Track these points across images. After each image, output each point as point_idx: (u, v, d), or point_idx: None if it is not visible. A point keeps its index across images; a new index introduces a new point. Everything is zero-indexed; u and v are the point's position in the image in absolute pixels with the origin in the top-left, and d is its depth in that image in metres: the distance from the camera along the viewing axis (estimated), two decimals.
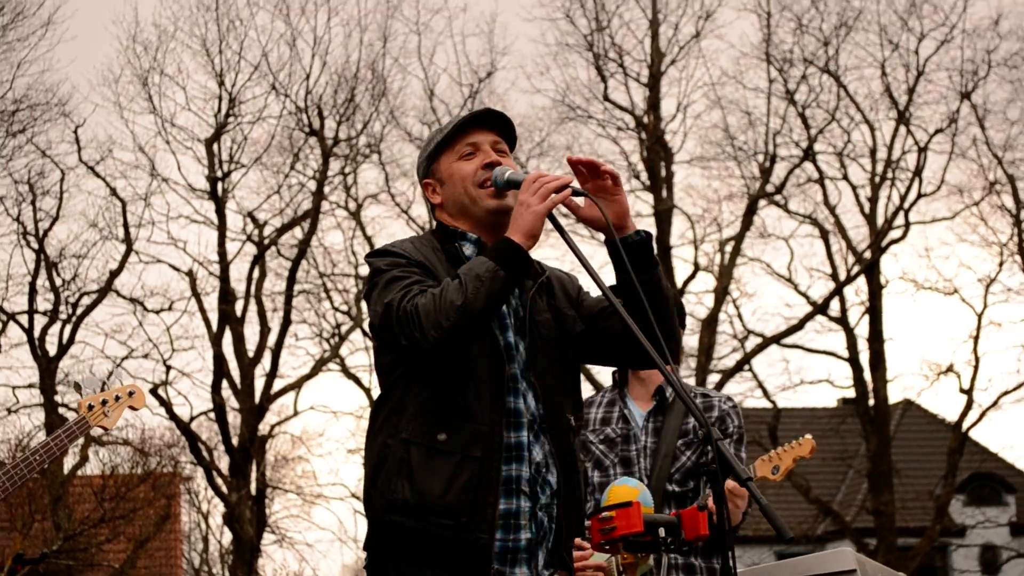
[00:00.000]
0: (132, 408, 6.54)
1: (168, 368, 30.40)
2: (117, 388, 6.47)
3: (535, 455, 4.51)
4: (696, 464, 5.92)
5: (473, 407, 4.46)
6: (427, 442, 4.40)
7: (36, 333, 28.86)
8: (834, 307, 30.55)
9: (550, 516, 4.52)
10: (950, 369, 30.27)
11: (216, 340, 30.38)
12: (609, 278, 4.55)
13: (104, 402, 6.45)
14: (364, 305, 4.57)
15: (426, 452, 4.39)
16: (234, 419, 30.64)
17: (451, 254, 4.64)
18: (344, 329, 31.22)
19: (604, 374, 30.59)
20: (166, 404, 29.98)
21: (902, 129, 30.20)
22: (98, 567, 24.54)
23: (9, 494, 6.00)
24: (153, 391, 29.95)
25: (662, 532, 4.35)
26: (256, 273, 31.11)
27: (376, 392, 4.79)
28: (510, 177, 4.59)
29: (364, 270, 4.58)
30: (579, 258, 4.46)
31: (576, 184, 4.50)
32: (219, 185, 30.77)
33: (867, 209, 30.44)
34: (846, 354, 30.45)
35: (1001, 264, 30.33)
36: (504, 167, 4.64)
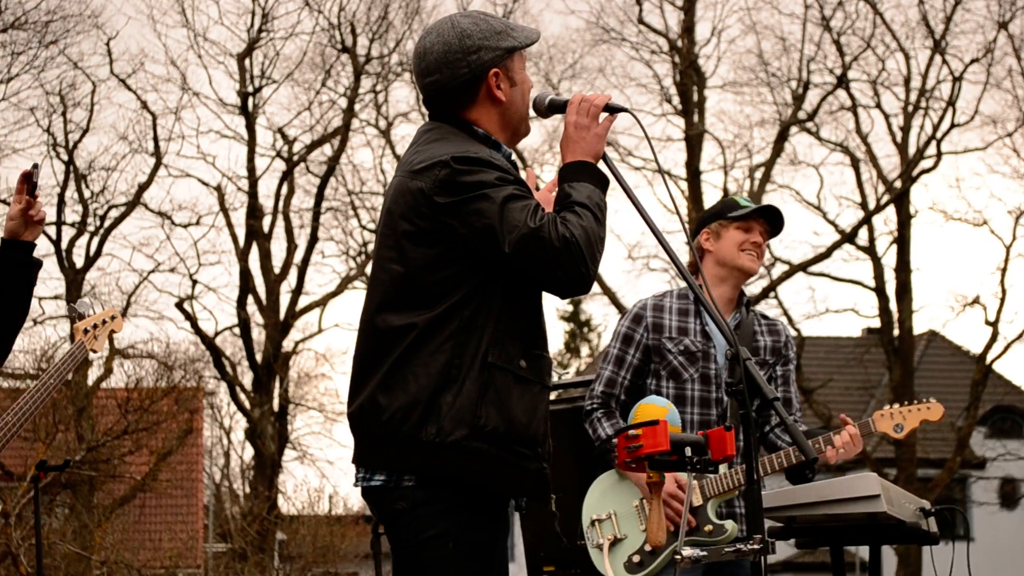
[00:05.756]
0: (113, 332, 6.69)
1: (194, 282, 30.55)
2: (102, 312, 6.60)
3: None
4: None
5: (545, 334, 4.41)
6: (512, 368, 4.25)
7: (63, 245, 28.94)
8: (862, 236, 30.49)
9: None
10: (976, 301, 30.18)
11: (243, 255, 30.44)
12: None
13: (95, 326, 6.58)
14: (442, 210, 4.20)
15: (513, 379, 4.25)
16: (258, 335, 30.79)
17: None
18: (371, 247, 31.21)
19: (629, 298, 30.56)
20: (191, 318, 30.11)
21: (937, 58, 29.97)
22: (120, 479, 24.71)
23: (28, 419, 6.08)
24: (179, 305, 30.07)
25: (688, 451, 4.31)
26: (284, 189, 31.16)
27: None
28: (554, 100, 4.53)
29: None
30: (623, 187, 4.44)
31: (613, 101, 4.45)
32: (250, 100, 30.75)
33: (899, 138, 30.27)
34: (872, 283, 30.37)
35: None
36: (543, 91, 4.56)
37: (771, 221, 6.16)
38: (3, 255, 5.42)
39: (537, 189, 4.77)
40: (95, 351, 6.67)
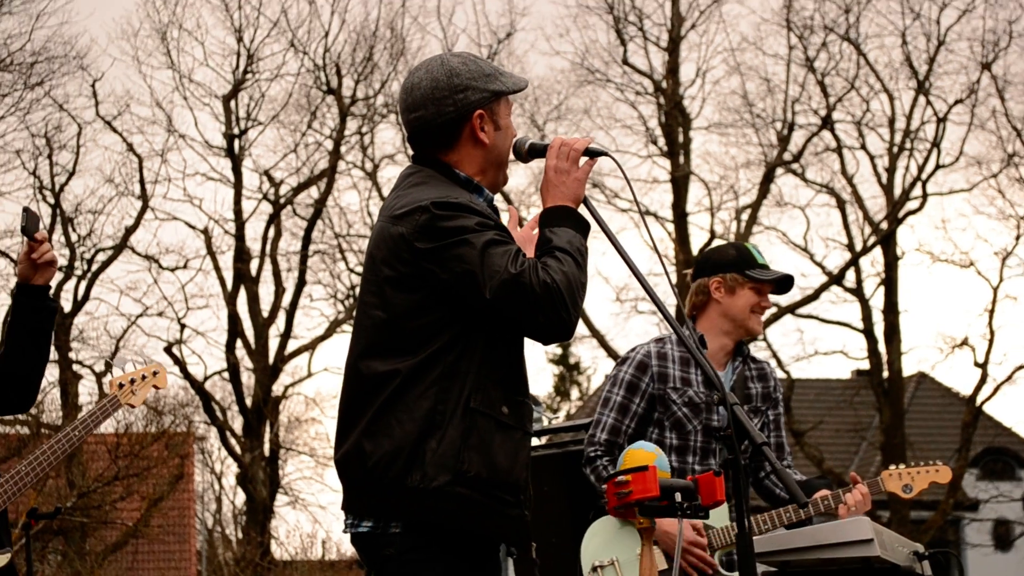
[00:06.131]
0: (155, 387, 6.75)
1: (182, 327, 30.49)
2: (143, 367, 6.66)
3: None
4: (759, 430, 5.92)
5: (527, 380, 4.41)
6: (495, 415, 4.25)
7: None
8: (849, 278, 30.52)
9: None
10: (965, 342, 30.15)
11: (231, 299, 30.40)
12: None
13: (132, 380, 6.61)
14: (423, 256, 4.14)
15: (495, 425, 4.24)
16: (248, 379, 30.72)
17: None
18: (359, 290, 31.13)
19: (619, 340, 30.57)
20: (180, 363, 30.03)
21: (921, 99, 30.07)
22: (111, 525, 24.60)
23: (47, 470, 6.10)
24: (167, 349, 30.01)
25: (678, 497, 4.31)
26: (271, 232, 31.13)
27: None
28: (534, 144, 4.50)
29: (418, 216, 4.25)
30: (603, 228, 4.44)
31: (593, 145, 4.44)
32: (236, 142, 30.78)
33: (884, 179, 30.32)
34: (861, 325, 30.37)
35: (1018, 237, 30.20)
36: (523, 135, 4.55)
37: (780, 285, 6.17)
38: (15, 300, 5.42)
39: (520, 227, 4.77)
40: (132, 405, 6.70)
